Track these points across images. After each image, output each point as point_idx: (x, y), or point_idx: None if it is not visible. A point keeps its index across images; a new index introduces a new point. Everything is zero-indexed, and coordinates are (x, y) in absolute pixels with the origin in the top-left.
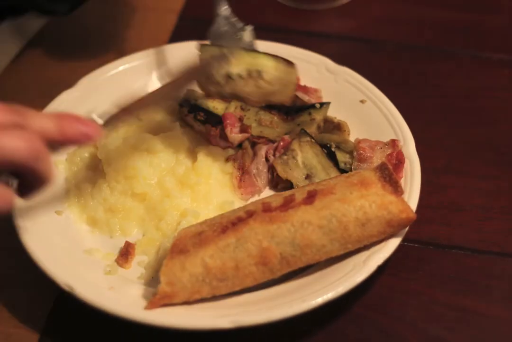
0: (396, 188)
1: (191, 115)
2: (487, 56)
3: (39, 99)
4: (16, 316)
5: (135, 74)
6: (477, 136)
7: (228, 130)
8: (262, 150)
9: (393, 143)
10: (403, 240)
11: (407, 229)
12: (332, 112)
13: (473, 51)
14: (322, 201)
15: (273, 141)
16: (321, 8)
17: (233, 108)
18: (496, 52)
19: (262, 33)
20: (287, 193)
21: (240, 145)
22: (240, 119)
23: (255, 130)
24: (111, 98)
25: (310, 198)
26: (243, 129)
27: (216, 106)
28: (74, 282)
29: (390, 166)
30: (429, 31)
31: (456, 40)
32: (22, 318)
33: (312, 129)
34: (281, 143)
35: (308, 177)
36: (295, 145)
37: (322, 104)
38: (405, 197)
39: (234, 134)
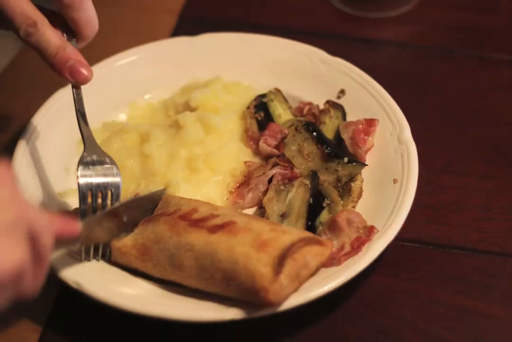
0: (279, 266)
1: (252, 110)
2: (487, 56)
3: (39, 99)
4: (16, 316)
5: (131, 70)
6: (477, 136)
7: (263, 139)
8: (274, 170)
9: (370, 231)
10: (403, 240)
11: (396, 231)
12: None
13: (473, 51)
14: (221, 237)
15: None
16: (380, 16)
17: (289, 124)
18: (496, 52)
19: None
20: (220, 211)
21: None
22: (283, 137)
23: (289, 152)
24: (106, 96)
25: (219, 227)
26: (278, 146)
27: (283, 115)
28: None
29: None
30: (429, 31)
31: (456, 40)
32: (22, 318)
33: (329, 178)
34: (289, 174)
35: (283, 215)
36: (296, 182)
37: (353, 162)
38: (402, 188)
39: (266, 146)
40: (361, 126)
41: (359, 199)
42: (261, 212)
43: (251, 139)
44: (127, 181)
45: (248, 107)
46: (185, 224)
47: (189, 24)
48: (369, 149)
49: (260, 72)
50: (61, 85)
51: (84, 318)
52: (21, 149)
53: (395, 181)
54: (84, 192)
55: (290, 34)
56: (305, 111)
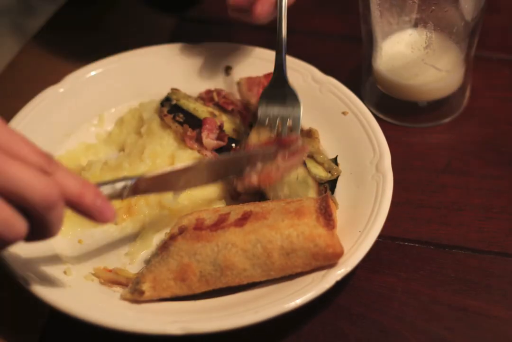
0: (328, 221)
1: (170, 116)
2: (487, 56)
3: None
4: (16, 316)
5: (121, 73)
6: (477, 136)
7: (204, 134)
8: None
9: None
10: (403, 240)
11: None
12: (313, 123)
13: None
14: (253, 224)
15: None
16: (425, 126)
17: (213, 113)
18: (496, 52)
19: None
20: (224, 210)
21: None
22: (220, 127)
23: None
24: (95, 96)
25: (242, 220)
26: (220, 137)
27: (197, 108)
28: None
29: (330, 200)
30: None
31: None
32: (22, 319)
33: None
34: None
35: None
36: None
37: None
38: (373, 214)
39: (210, 140)
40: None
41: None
42: (242, 199)
43: (190, 139)
44: None
45: (164, 115)
46: (207, 232)
47: (189, 24)
48: None
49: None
50: None
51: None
52: None
53: (344, 113)
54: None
55: (290, 34)
56: (215, 97)
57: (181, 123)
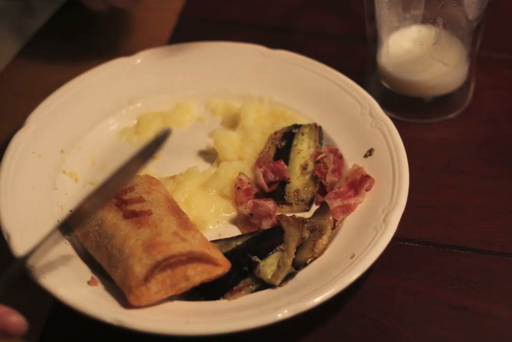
0: (152, 271)
1: (277, 138)
2: (487, 56)
3: (39, 99)
4: (19, 306)
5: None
6: (477, 136)
7: (264, 169)
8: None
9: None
10: (404, 240)
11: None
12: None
13: None
14: (128, 224)
15: None
16: (430, 121)
17: (305, 166)
18: (496, 52)
19: None
20: (150, 196)
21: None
22: (283, 180)
23: None
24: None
25: (133, 214)
26: (271, 184)
27: (301, 154)
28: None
29: None
30: None
31: None
32: (25, 309)
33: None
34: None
35: None
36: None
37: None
38: (394, 159)
39: (262, 176)
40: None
41: (320, 255)
42: None
43: (259, 163)
44: None
45: (275, 133)
46: (114, 202)
47: (189, 24)
48: (348, 212)
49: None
50: (61, 85)
51: (84, 318)
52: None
53: (371, 151)
54: None
55: (291, 34)
56: (318, 157)
57: (275, 148)
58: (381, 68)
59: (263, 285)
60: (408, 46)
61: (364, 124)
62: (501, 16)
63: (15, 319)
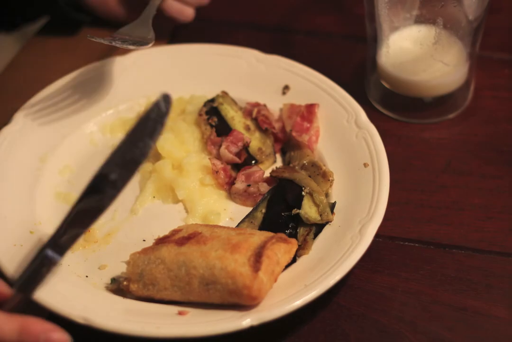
0: (256, 263)
1: (205, 117)
2: (487, 56)
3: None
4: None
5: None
6: (477, 136)
7: (225, 144)
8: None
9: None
10: (404, 240)
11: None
12: (335, 165)
13: None
14: (191, 246)
15: None
16: (429, 122)
17: (248, 127)
18: (496, 52)
19: None
20: (181, 226)
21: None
22: (244, 145)
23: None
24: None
25: (185, 239)
26: (239, 154)
27: (235, 118)
28: None
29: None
30: None
31: None
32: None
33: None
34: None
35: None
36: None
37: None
38: (376, 171)
39: (227, 152)
40: (299, 118)
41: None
42: None
43: (212, 143)
44: None
45: (200, 114)
46: (153, 245)
47: (189, 24)
48: (317, 137)
49: (200, 83)
50: None
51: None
52: None
53: (365, 165)
54: None
55: (291, 34)
56: (254, 113)
57: (212, 126)
58: (381, 68)
59: (319, 226)
60: (408, 46)
61: (350, 135)
62: (501, 16)
63: (58, 336)
